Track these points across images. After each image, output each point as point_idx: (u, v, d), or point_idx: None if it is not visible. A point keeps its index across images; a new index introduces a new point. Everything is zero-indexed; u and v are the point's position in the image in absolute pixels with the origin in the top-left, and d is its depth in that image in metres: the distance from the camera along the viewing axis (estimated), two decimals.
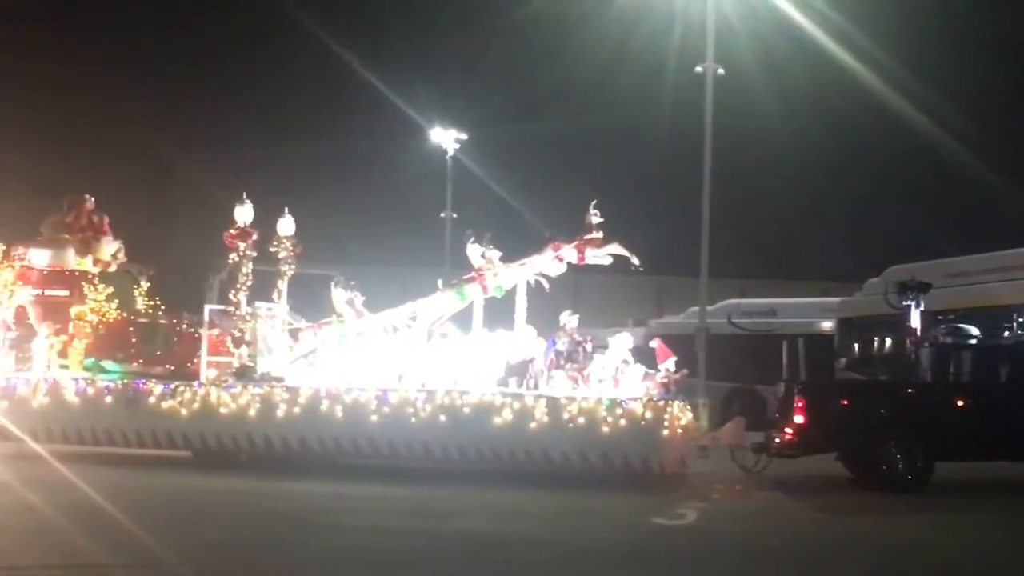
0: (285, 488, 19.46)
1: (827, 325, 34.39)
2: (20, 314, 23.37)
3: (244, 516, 16.62)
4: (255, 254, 22.84)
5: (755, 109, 47.27)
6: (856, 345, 32.13)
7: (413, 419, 21.16)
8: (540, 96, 59.52)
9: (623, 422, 20.58)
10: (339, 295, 22.98)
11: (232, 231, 22.64)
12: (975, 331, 21.99)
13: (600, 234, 22.87)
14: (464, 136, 54.20)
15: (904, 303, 21.53)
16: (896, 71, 42.58)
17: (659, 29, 36.12)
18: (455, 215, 54.56)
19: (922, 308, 21.50)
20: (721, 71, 33.84)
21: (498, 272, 22.81)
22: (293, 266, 24.05)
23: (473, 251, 22.95)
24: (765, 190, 59.01)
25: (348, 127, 61.82)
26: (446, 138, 53.80)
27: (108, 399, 22.12)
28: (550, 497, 19.11)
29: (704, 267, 33.69)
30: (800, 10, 34.07)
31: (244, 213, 22.76)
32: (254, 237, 22.78)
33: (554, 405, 20.87)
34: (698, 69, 33.74)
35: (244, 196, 22.92)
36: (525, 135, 58.50)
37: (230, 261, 22.79)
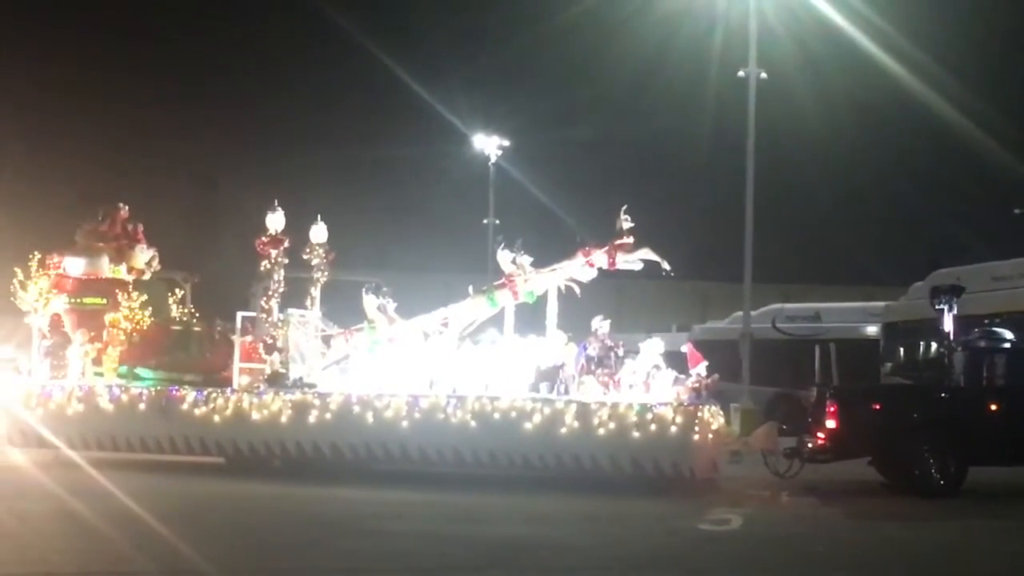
0: (322, 494, 19.50)
1: (872, 330, 34.21)
2: (56, 322, 23.52)
3: (284, 522, 16.62)
4: (287, 261, 22.94)
5: (797, 113, 47.26)
6: (901, 349, 31.94)
7: (444, 425, 21.20)
8: (582, 102, 59.71)
9: (653, 427, 20.54)
10: (370, 301, 23.03)
11: (264, 238, 22.76)
12: (1009, 335, 21.83)
13: (631, 239, 22.80)
14: (506, 142, 54.20)
15: (937, 307, 21.34)
16: (939, 74, 42.44)
17: (700, 34, 36.29)
18: (497, 221, 54.64)
19: (955, 312, 21.30)
20: (764, 75, 33.77)
21: (528, 278, 22.80)
22: (326, 273, 24.17)
23: (503, 257, 22.96)
24: (809, 194, 58.92)
25: (390, 135, 62.17)
26: (488, 145, 53.84)
27: (142, 406, 22.28)
28: (585, 502, 19.03)
29: (748, 272, 33.65)
30: (842, 13, 33.98)
31: (276, 220, 22.88)
32: (286, 244, 22.89)
33: (584, 410, 20.85)
34: (741, 73, 33.68)
35: (276, 203, 23.04)
36: (567, 141, 58.70)
37: (262, 268, 22.87)
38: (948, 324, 21.38)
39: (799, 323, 36.12)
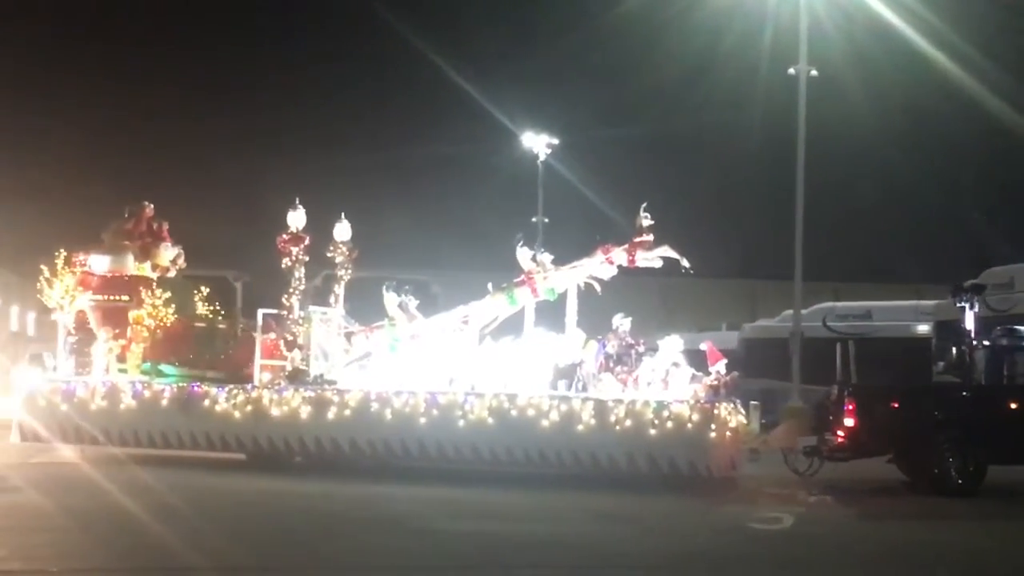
0: (359, 491, 19.53)
1: (923, 328, 33.89)
2: (81, 319, 23.76)
3: (329, 520, 16.38)
4: (307, 258, 23.06)
5: (847, 110, 46.81)
6: (953, 348, 31.55)
7: (461, 422, 21.26)
8: (631, 99, 59.52)
9: (670, 425, 20.51)
10: (391, 299, 23.14)
11: (285, 236, 22.89)
12: None
13: (651, 237, 22.77)
14: (555, 140, 54.17)
15: (959, 305, 21.17)
16: (990, 70, 41.89)
17: (750, 31, 36.10)
18: (546, 219, 54.63)
19: (976, 310, 21.12)
20: (814, 72, 33.61)
21: (547, 276, 22.81)
22: (349, 270, 24.34)
23: (523, 255, 23.02)
24: (859, 191, 58.37)
25: (439, 134, 62.34)
26: (537, 143, 53.79)
27: (164, 402, 22.47)
28: (618, 501, 18.97)
29: (798, 270, 33.44)
30: (892, 10, 33.69)
31: (297, 218, 23.02)
32: (306, 242, 23.01)
33: (601, 408, 20.84)
34: (791, 71, 33.52)
35: (297, 201, 23.17)
36: (616, 139, 58.49)
37: (283, 266, 22.99)
38: (970, 322, 21.21)
39: (850, 321, 35.76)
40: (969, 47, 39.91)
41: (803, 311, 34.20)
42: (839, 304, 38.71)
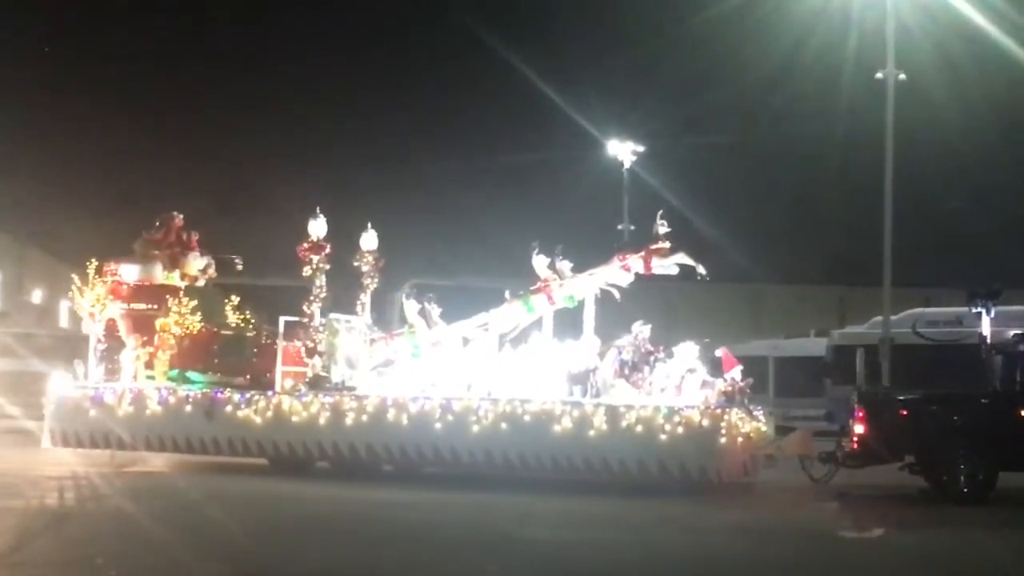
0: (444, 499, 19.72)
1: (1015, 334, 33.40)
2: (111, 327, 24.30)
3: (422, 531, 16.14)
4: (328, 267, 23.39)
5: (934, 114, 46.18)
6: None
7: (475, 427, 21.52)
8: (715, 106, 59.16)
9: (680, 430, 20.62)
10: (411, 306, 23.46)
11: (305, 244, 23.24)
12: None
13: (667, 244, 22.91)
14: (641, 148, 54.11)
15: (974, 311, 21.04)
16: None
17: (834, 36, 35.98)
18: (632, 227, 54.61)
19: (992, 315, 20.97)
20: (902, 76, 33.47)
21: (563, 283, 22.99)
22: (376, 279, 24.67)
23: (539, 262, 23.20)
24: (949, 196, 57.56)
25: (522, 141, 62.53)
26: (622, 150, 53.78)
27: (188, 408, 22.92)
28: (673, 508, 18.93)
29: (887, 276, 33.34)
30: (980, 12, 33.43)
31: (317, 227, 23.35)
32: (327, 250, 23.32)
33: (613, 413, 20.99)
34: (879, 75, 33.42)
35: (318, 211, 23.52)
36: (700, 145, 58.31)
37: (304, 274, 23.36)
38: (986, 327, 21.06)
39: (940, 328, 35.27)
40: None
41: (892, 317, 33.81)
42: (929, 310, 37.99)
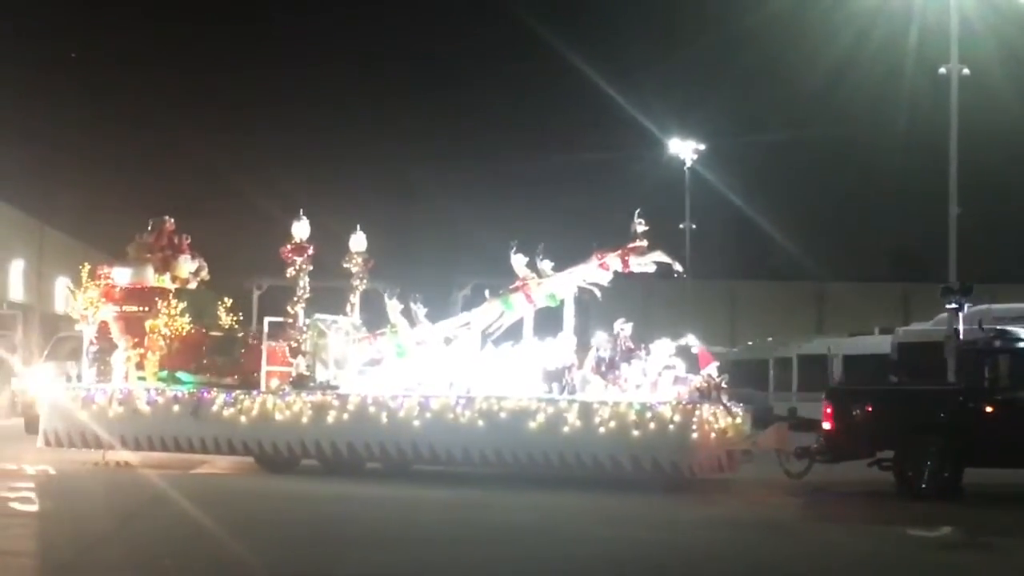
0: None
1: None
2: (103, 329, 24.75)
3: (474, 530, 16.35)
4: (311, 267, 23.78)
5: (998, 108, 46.00)
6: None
7: (453, 424, 21.82)
8: (775, 102, 59.30)
9: (652, 426, 20.87)
10: (393, 306, 23.78)
11: (289, 246, 23.65)
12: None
13: (644, 242, 23.14)
14: (702, 146, 54.00)
15: (947, 306, 21.15)
16: None
17: (897, 30, 36.13)
18: (694, 226, 54.68)
19: (965, 311, 21.08)
20: (966, 71, 33.50)
21: (542, 282, 23.24)
22: (364, 280, 25.04)
23: (517, 261, 23.45)
24: (1015, 191, 57.24)
25: (583, 140, 62.81)
26: (684, 149, 53.71)
27: (176, 408, 23.37)
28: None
29: (952, 272, 33.07)
30: None
31: (300, 229, 23.78)
32: (310, 252, 23.72)
33: (586, 410, 21.27)
34: (942, 70, 33.48)
35: (301, 212, 23.93)
36: (761, 143, 58.38)
37: (287, 275, 23.77)
38: (959, 324, 21.17)
39: (1007, 324, 35.01)
40: None
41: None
42: (996, 306, 37.78)
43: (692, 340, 23.69)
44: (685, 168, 53.69)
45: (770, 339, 44.27)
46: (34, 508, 17.29)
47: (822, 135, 58.28)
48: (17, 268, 48.28)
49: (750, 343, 46.37)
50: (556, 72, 60.35)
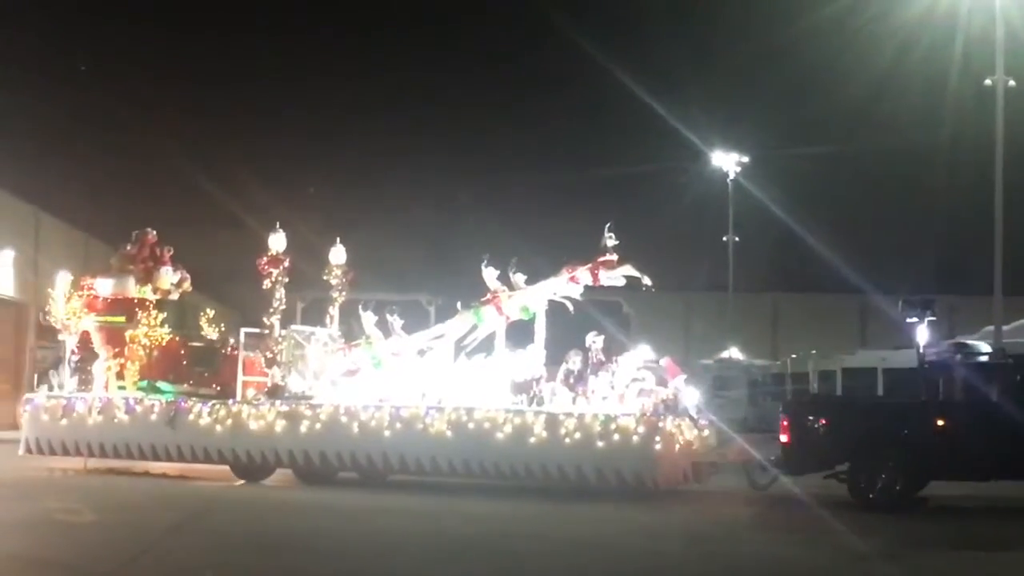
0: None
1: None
2: (85, 339, 25.19)
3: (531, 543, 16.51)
4: (287, 279, 24.19)
5: None
6: None
7: (423, 434, 22.19)
8: (818, 115, 58.98)
9: (616, 437, 21.19)
10: (368, 318, 24.16)
11: (264, 258, 24.07)
12: (986, 348, 21.74)
13: (614, 256, 23.44)
14: (745, 158, 53.94)
15: (908, 320, 21.41)
16: None
17: (941, 41, 35.93)
18: (737, 239, 54.67)
19: (926, 324, 21.32)
20: (1012, 83, 33.50)
21: (512, 295, 23.58)
22: (344, 292, 25.48)
23: (488, 274, 23.77)
24: None
25: (625, 152, 62.80)
26: (727, 161, 53.65)
27: (153, 417, 23.78)
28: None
29: (998, 285, 33.33)
30: None
31: (277, 241, 24.19)
32: (286, 264, 24.12)
33: (552, 421, 21.61)
34: (987, 82, 33.51)
35: (277, 225, 24.35)
36: (804, 155, 58.09)
37: (264, 287, 24.17)
38: (921, 336, 21.42)
39: None
40: None
41: (1004, 327, 33.46)
42: None
43: (647, 351, 23.76)
44: (728, 180, 53.63)
45: (813, 352, 44.33)
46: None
47: (866, 147, 58.06)
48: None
49: (793, 356, 46.44)
50: (599, 85, 60.29)
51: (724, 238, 54.68)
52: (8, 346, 41.59)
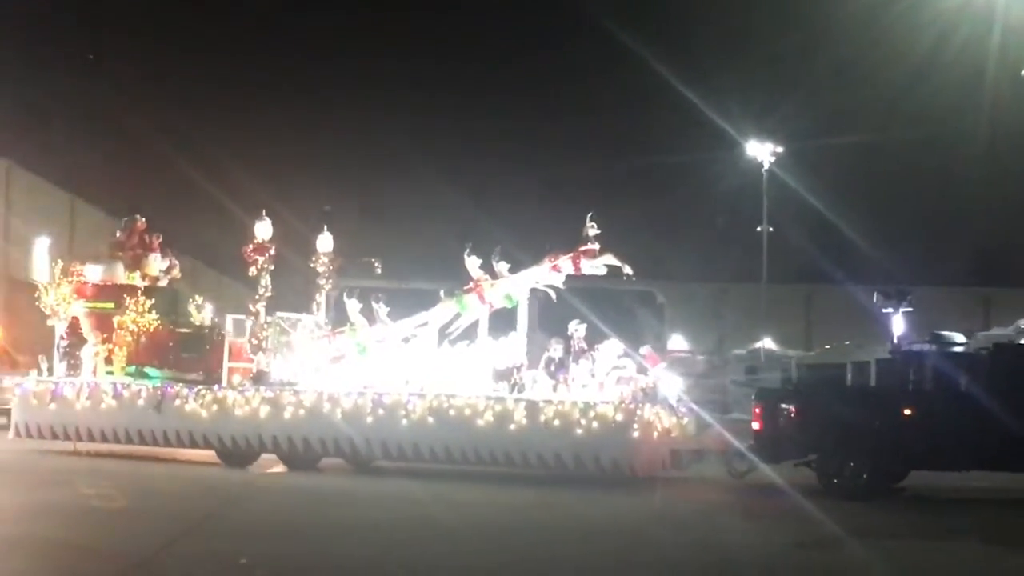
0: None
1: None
2: (74, 324, 25.46)
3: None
4: (272, 267, 24.42)
5: None
6: None
7: (404, 421, 22.49)
8: (854, 104, 58.74)
9: (595, 425, 21.47)
10: (352, 305, 24.40)
11: (250, 246, 24.31)
12: (961, 339, 21.96)
13: (596, 246, 23.67)
14: (780, 149, 53.92)
15: (883, 310, 21.64)
16: None
17: (978, 32, 35.94)
18: (771, 229, 54.67)
19: (900, 314, 21.55)
20: None
21: (495, 284, 23.82)
22: (331, 280, 25.73)
23: (471, 263, 24.01)
24: None
25: (659, 142, 62.85)
26: (761, 151, 53.66)
27: (140, 402, 24.07)
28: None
29: None
30: None
31: (263, 229, 24.42)
32: (271, 251, 24.36)
33: (532, 408, 21.89)
34: None
35: (264, 213, 24.58)
36: (840, 145, 57.89)
37: (250, 274, 24.43)
38: (895, 326, 21.64)
39: None
40: None
41: None
42: None
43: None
44: (763, 170, 53.64)
45: (847, 343, 44.39)
46: None
47: (902, 137, 57.73)
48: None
49: (827, 347, 46.50)
50: (633, 75, 60.30)
51: (758, 228, 54.60)
52: None
